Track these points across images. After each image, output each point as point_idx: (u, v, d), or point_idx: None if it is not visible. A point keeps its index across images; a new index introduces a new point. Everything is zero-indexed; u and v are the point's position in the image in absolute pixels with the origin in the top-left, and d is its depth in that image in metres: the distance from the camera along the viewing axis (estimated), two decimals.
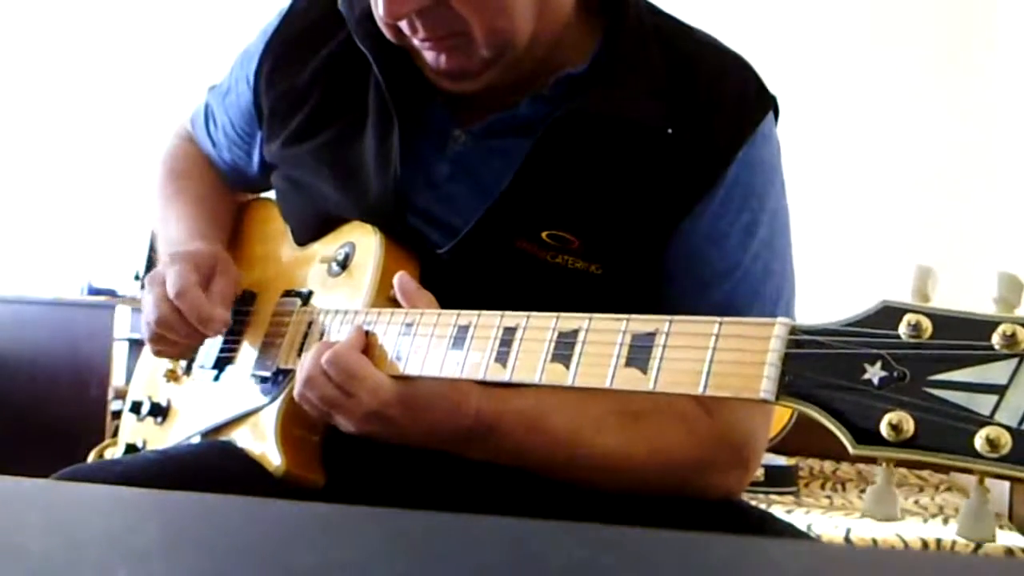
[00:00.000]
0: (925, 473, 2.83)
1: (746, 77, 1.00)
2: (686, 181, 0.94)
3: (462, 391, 0.86)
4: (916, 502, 2.45)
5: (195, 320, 0.99)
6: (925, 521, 2.19)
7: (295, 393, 0.89)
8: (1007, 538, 2.08)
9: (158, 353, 1.09)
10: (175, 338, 1.02)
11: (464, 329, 0.80)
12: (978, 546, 1.98)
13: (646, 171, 0.94)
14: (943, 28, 3.28)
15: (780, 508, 2.27)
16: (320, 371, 0.85)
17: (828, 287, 2.16)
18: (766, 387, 0.60)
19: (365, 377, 0.84)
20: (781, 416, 2.66)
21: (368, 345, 0.87)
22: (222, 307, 1.00)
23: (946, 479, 2.81)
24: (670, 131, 0.94)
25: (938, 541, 1.98)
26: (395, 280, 0.89)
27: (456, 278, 0.94)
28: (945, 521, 2.19)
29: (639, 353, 0.67)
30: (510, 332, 0.76)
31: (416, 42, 0.93)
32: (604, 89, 0.95)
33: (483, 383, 0.85)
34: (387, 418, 0.85)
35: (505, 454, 0.90)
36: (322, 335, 0.96)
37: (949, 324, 0.55)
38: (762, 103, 0.99)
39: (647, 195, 0.94)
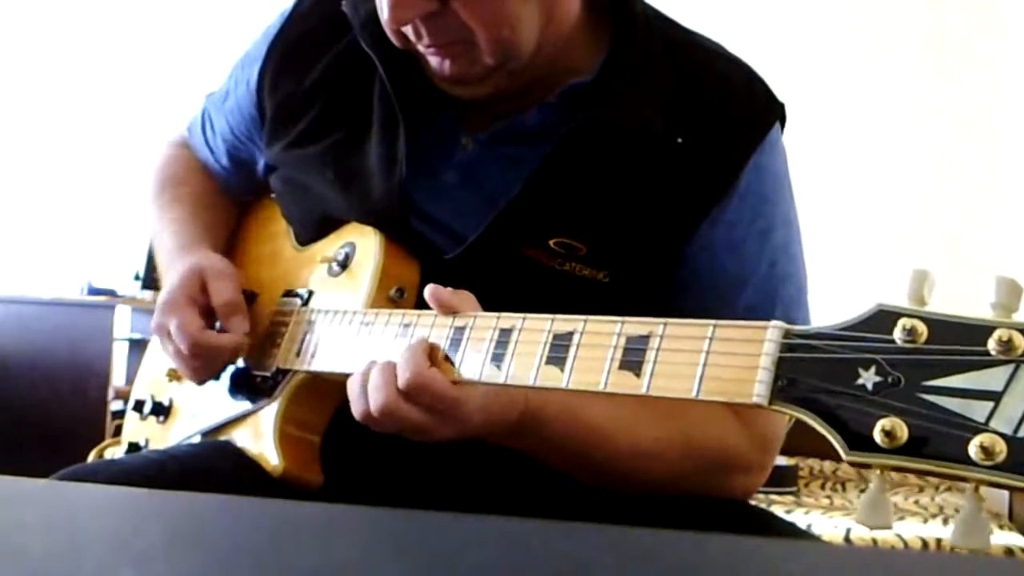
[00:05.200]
0: None
1: (754, 85, 1.00)
2: (697, 190, 0.94)
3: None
4: (916, 502, 2.45)
5: (224, 361, 1.02)
6: (925, 521, 2.19)
7: (358, 411, 0.83)
8: (1007, 538, 2.08)
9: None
10: (212, 374, 1.04)
11: (460, 330, 0.80)
12: None
13: (655, 180, 0.94)
14: (943, 32, 3.28)
15: (780, 508, 2.27)
16: (402, 399, 0.79)
17: (824, 290, 2.17)
18: (759, 391, 0.59)
19: (454, 401, 0.79)
20: None
21: (432, 353, 0.81)
22: (233, 319, 1.00)
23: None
24: (679, 140, 0.94)
25: (938, 541, 1.98)
26: (426, 294, 0.84)
27: (462, 284, 0.94)
28: (945, 521, 2.19)
29: (633, 356, 0.67)
30: (506, 334, 0.76)
31: (421, 48, 0.93)
32: (613, 98, 0.95)
33: None
34: (463, 431, 0.82)
35: (549, 445, 0.88)
36: (321, 335, 0.96)
37: (944, 328, 0.54)
38: (771, 111, 0.99)
39: (657, 204, 0.94)
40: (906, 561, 0.55)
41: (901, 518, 2.20)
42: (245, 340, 1.01)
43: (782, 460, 2.58)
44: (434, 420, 0.80)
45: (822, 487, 2.67)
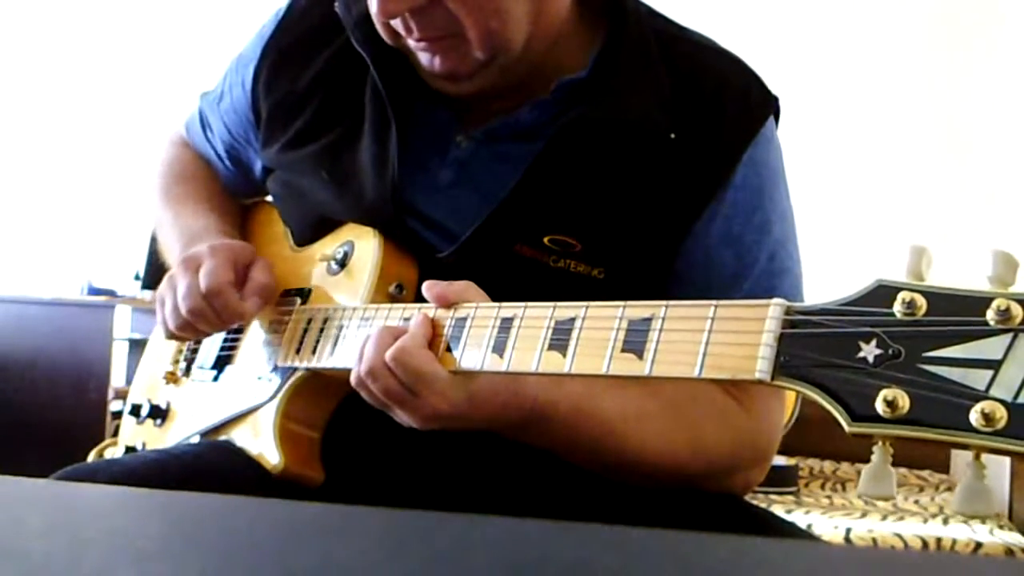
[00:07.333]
0: (925, 473, 2.83)
1: (748, 81, 1.00)
2: (693, 185, 0.94)
3: (519, 380, 0.84)
4: (916, 502, 2.45)
5: (225, 319, 0.99)
6: (925, 521, 2.19)
7: (352, 378, 0.85)
8: (1007, 538, 2.08)
9: (178, 338, 1.08)
10: (204, 328, 1.02)
11: (461, 320, 0.81)
12: (978, 545, 1.98)
13: (650, 176, 0.95)
14: (941, 7, 3.28)
15: (780, 508, 2.27)
16: (384, 365, 0.81)
17: (823, 268, 2.18)
18: (762, 368, 0.60)
19: (434, 380, 0.80)
20: None
21: (433, 336, 0.83)
22: (256, 298, 1.00)
23: (946, 479, 2.81)
24: (673, 136, 0.94)
25: (938, 541, 1.98)
26: (424, 291, 0.85)
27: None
28: (945, 521, 2.19)
29: (635, 338, 0.68)
30: (507, 322, 0.77)
31: (411, 43, 0.94)
32: (607, 94, 0.95)
33: None
34: (452, 417, 0.83)
35: (556, 440, 0.89)
36: (321, 334, 0.96)
37: (943, 301, 0.55)
38: (764, 105, 1.00)
39: (652, 199, 0.94)
40: (906, 561, 0.55)
41: (901, 518, 2.20)
42: (251, 317, 1.01)
43: (782, 460, 2.58)
44: (409, 396, 0.81)
45: (822, 487, 2.67)
